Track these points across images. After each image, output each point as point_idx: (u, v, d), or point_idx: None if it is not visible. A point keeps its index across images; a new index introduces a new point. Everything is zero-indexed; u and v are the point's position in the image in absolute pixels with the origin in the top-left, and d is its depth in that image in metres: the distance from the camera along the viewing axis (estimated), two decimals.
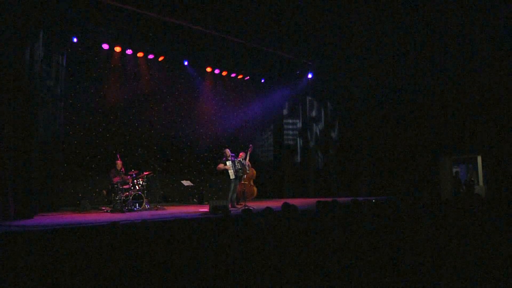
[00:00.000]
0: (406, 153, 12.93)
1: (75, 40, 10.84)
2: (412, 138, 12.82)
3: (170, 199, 12.63)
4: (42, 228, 6.08)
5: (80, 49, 11.11)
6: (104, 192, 10.22)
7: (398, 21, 12.20)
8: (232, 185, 10.30)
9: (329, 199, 6.92)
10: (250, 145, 11.58)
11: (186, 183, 12.30)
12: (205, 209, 9.64)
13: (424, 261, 3.35)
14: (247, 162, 11.27)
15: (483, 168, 13.04)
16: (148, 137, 12.41)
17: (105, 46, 11.49)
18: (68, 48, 10.70)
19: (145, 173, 10.23)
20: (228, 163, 10.39)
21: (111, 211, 9.41)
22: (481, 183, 13.63)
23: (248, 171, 11.18)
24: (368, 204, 6.62)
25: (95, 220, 7.50)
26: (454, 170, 13.80)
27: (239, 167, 10.47)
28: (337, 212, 5.76)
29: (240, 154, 11.42)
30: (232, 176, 10.31)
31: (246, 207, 8.74)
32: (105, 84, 11.62)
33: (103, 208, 10.00)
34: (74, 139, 10.98)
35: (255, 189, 11.93)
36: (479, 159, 13.70)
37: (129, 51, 11.98)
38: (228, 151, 10.54)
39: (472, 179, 13.61)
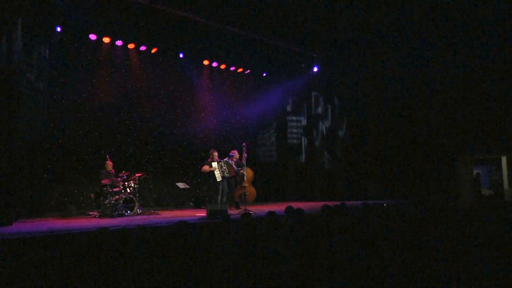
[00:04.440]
0: (420, 152, 12.87)
1: (58, 29, 10.70)
2: (427, 136, 12.76)
3: (164, 203, 12.59)
4: (21, 236, 6.01)
5: (64, 39, 10.97)
6: (92, 195, 10.19)
7: (415, 9, 12.13)
8: (220, 187, 10.52)
9: (337, 203, 6.92)
10: (244, 143, 11.51)
11: (181, 185, 12.26)
12: (202, 213, 9.64)
13: (438, 271, 3.31)
14: (242, 161, 11.25)
15: (508, 170, 12.92)
16: (140, 135, 12.38)
17: (93, 37, 11.41)
18: (51, 38, 10.61)
19: (137, 174, 10.21)
20: (214, 164, 10.62)
21: (100, 216, 9.40)
22: (506, 186, 13.51)
23: (237, 172, 11.21)
24: (379, 208, 6.59)
25: (81, 226, 7.47)
26: (475, 171, 13.68)
27: (225, 168, 10.66)
28: (345, 217, 5.74)
29: (233, 151, 11.40)
30: (218, 178, 10.52)
31: (247, 211, 8.69)
32: (93, 78, 11.56)
33: (91, 213, 9.95)
34: (58, 138, 10.89)
35: (254, 191, 11.90)
36: (504, 160, 13.58)
37: (119, 42, 11.92)
38: (215, 153, 10.79)
39: (500, 181, 13.46)
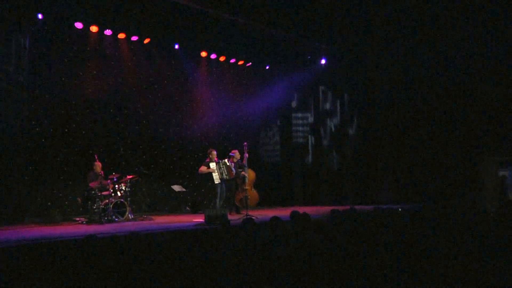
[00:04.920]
0: (439, 152, 12.81)
1: (40, 17, 10.67)
2: (448, 134, 12.69)
3: (158, 208, 12.60)
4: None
5: (47, 28, 10.95)
6: (79, 199, 10.19)
7: None
8: (218, 190, 10.61)
9: (346, 207, 6.90)
10: (245, 143, 11.50)
11: (177, 188, 12.26)
12: (200, 219, 9.64)
13: (459, 283, 3.30)
14: (244, 162, 11.24)
15: None
16: (132, 134, 12.39)
17: (79, 25, 11.38)
18: (32, 27, 10.58)
19: (128, 176, 10.22)
20: (212, 165, 10.69)
21: (87, 223, 9.41)
22: None
23: (237, 174, 11.24)
24: (393, 213, 6.58)
25: (67, 233, 7.50)
26: (500, 174, 13.56)
27: (224, 169, 10.70)
28: (355, 223, 5.74)
29: (233, 151, 11.41)
30: (217, 180, 10.60)
31: (248, 217, 8.69)
32: (79, 71, 11.54)
33: (77, 219, 9.95)
34: (41, 137, 10.87)
35: (257, 194, 11.90)
36: None
37: (108, 32, 11.90)
38: (214, 153, 10.88)
39: None
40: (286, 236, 4.77)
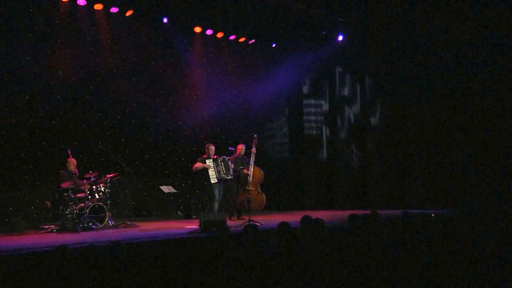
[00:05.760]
0: (478, 149, 12.75)
1: None
2: (487, 128, 12.61)
3: (144, 212, 12.63)
4: None
5: None
6: (48, 203, 10.21)
7: None
8: (216, 191, 10.81)
9: (367, 212, 6.89)
10: (255, 135, 11.51)
11: (167, 189, 12.27)
12: (194, 225, 9.68)
13: None
14: (253, 158, 11.25)
15: None
16: (112, 125, 12.42)
17: None
18: None
19: (108, 175, 10.23)
20: (209, 161, 10.88)
21: (58, 231, 9.40)
22: None
23: (239, 172, 11.24)
24: (424, 219, 6.57)
25: (33, 244, 7.50)
26: None
27: (222, 167, 10.79)
28: (379, 230, 5.70)
29: (239, 146, 11.44)
30: (213, 179, 10.77)
31: (251, 223, 8.69)
32: (47, 49, 11.52)
33: (46, 226, 9.89)
34: (1, 129, 10.90)
35: (263, 197, 11.89)
36: None
37: (81, 1, 11.87)
38: (212, 148, 11.09)
39: None
40: (296, 246, 4.76)
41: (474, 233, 5.78)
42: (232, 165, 11.16)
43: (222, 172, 10.76)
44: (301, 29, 14.67)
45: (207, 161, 10.77)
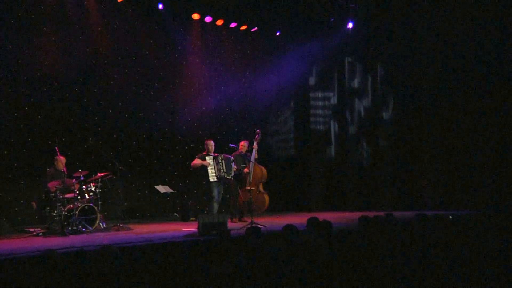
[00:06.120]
0: (499, 146, 12.73)
1: None
2: (508, 123, 12.60)
3: (138, 214, 12.63)
4: None
5: None
6: (34, 204, 10.16)
7: None
8: (215, 191, 10.77)
9: (379, 213, 6.89)
10: (257, 130, 11.50)
11: (162, 189, 12.26)
12: (191, 228, 9.68)
13: None
14: (255, 155, 11.24)
15: None
16: (103, 120, 12.40)
17: None
18: None
19: (99, 174, 10.22)
20: (209, 158, 10.83)
21: (45, 234, 9.34)
22: None
23: (240, 170, 11.25)
24: (441, 221, 6.57)
25: (18, 248, 7.46)
26: None
27: (223, 165, 10.78)
28: (392, 232, 5.72)
29: (242, 143, 11.44)
30: (212, 177, 10.72)
31: (254, 225, 8.68)
32: (32, 38, 11.46)
33: (32, 229, 9.87)
34: None
35: (266, 197, 11.88)
36: None
37: None
38: (212, 144, 11.06)
39: None
40: (303, 250, 4.75)
41: (494, 236, 5.77)
42: (235, 166, 11.12)
43: (222, 170, 10.76)
44: (307, 16, 14.66)
45: (206, 158, 10.77)
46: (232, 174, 11.06)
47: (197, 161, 10.78)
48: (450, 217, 7.23)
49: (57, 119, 11.67)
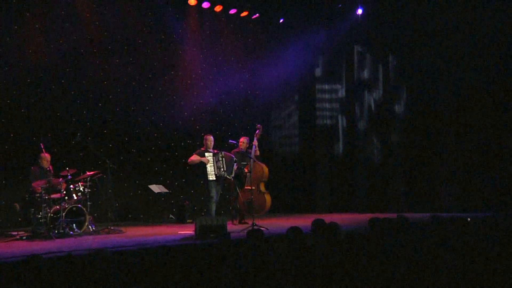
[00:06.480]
0: None
1: None
2: None
3: (131, 216, 12.64)
4: None
5: None
6: (17, 206, 10.17)
7: None
8: (214, 190, 10.72)
9: (391, 215, 6.89)
10: (258, 125, 11.48)
11: (157, 188, 12.26)
12: (188, 230, 9.74)
13: None
14: (254, 152, 11.23)
15: None
16: (93, 114, 12.39)
17: None
18: None
19: (88, 173, 10.20)
20: (208, 155, 10.76)
21: (29, 238, 9.35)
22: None
23: (240, 169, 11.24)
24: (458, 224, 6.54)
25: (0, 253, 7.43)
26: None
27: (223, 163, 10.76)
28: (404, 236, 5.76)
29: (241, 139, 11.42)
30: (211, 175, 10.66)
31: (256, 227, 8.67)
32: (14, 24, 11.45)
33: (15, 233, 9.86)
34: None
35: (268, 197, 11.87)
36: None
37: None
38: (211, 139, 11.00)
39: None
40: (308, 254, 4.75)
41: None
42: (236, 166, 11.10)
43: (222, 169, 10.72)
44: (313, 1, 14.64)
45: (206, 154, 10.74)
46: (233, 175, 11.04)
47: (194, 158, 10.72)
48: (469, 219, 7.19)
49: (42, 113, 11.69)
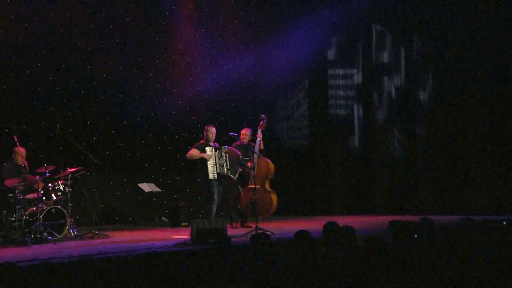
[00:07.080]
0: None
1: None
2: None
3: (118, 218, 12.66)
4: None
5: None
6: None
7: None
8: (214, 190, 10.66)
9: (415, 217, 6.84)
10: (262, 115, 11.46)
11: (147, 187, 12.27)
12: (183, 235, 9.75)
13: None
14: (258, 146, 11.23)
15: None
16: (75, 103, 12.41)
17: None
18: None
19: (69, 170, 10.20)
20: (209, 149, 10.67)
21: (1, 244, 9.38)
22: None
23: (243, 165, 11.24)
24: (493, 227, 6.54)
25: None
26: None
27: (225, 160, 10.70)
28: (429, 241, 5.75)
29: (243, 131, 11.41)
30: (212, 173, 10.60)
31: (260, 231, 8.67)
32: None
33: None
34: None
35: (274, 197, 11.85)
36: None
37: None
38: (213, 131, 10.93)
39: None
40: (319, 260, 4.74)
41: None
42: (241, 168, 11.07)
43: (225, 166, 10.68)
44: None
45: (207, 148, 10.67)
46: (237, 175, 10.99)
47: (194, 152, 10.63)
48: (504, 222, 7.17)
49: (16, 101, 11.72)
